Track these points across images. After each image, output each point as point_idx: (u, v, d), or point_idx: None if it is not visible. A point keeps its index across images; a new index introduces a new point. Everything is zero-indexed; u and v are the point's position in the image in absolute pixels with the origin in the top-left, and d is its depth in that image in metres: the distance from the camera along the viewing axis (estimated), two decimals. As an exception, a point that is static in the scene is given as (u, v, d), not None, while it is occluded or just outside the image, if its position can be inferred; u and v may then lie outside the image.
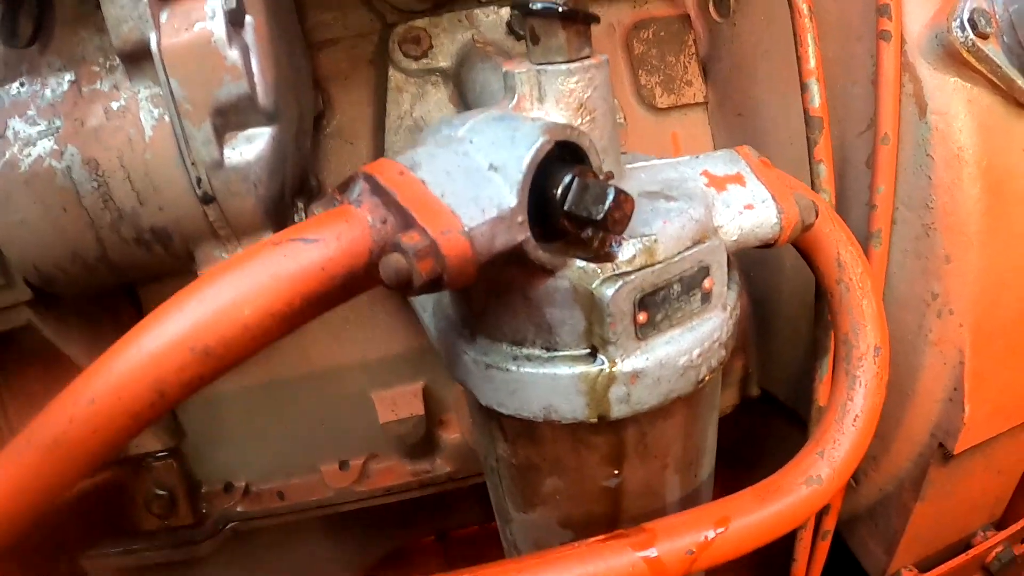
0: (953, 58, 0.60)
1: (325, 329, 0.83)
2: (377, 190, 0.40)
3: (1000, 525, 0.90)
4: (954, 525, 0.85)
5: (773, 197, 0.53)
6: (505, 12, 0.79)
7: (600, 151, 0.47)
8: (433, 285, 0.38)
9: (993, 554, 0.88)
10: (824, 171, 0.67)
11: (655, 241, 0.46)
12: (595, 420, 0.49)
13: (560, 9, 0.46)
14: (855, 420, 0.57)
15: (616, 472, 0.55)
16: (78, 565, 0.86)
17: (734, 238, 0.52)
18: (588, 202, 0.40)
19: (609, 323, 0.45)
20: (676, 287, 0.47)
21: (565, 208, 0.41)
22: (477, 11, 0.78)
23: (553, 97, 0.47)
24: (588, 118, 0.48)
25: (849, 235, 0.60)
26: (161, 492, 0.85)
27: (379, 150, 0.80)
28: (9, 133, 0.53)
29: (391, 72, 0.79)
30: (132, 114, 0.52)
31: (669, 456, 0.56)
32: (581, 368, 0.47)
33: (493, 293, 0.48)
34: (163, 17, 0.50)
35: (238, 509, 0.90)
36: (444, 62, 0.78)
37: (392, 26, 0.79)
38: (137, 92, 0.52)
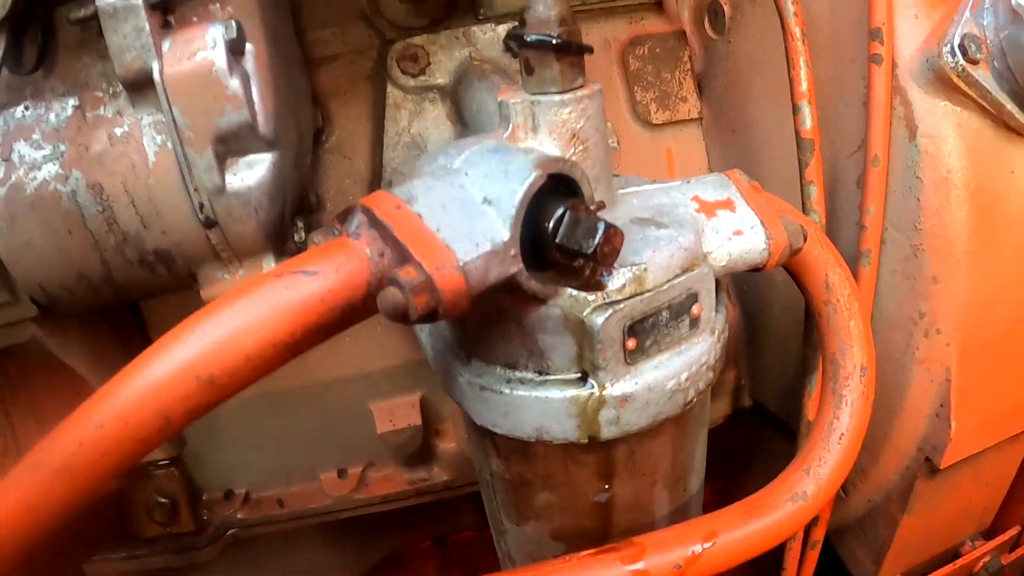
0: (943, 82, 0.61)
1: (325, 342, 0.85)
2: (375, 223, 0.41)
3: (989, 534, 0.91)
4: (942, 535, 0.87)
5: (762, 223, 0.54)
6: (502, 30, 0.80)
7: (592, 179, 0.48)
8: (429, 317, 0.40)
9: (981, 564, 0.89)
10: (815, 192, 0.69)
11: (645, 270, 0.47)
12: (585, 441, 0.50)
13: (554, 41, 0.47)
14: (841, 438, 0.59)
15: (606, 488, 0.56)
16: (81, 571, 0.88)
17: (723, 264, 0.53)
18: (579, 236, 0.42)
19: (599, 349, 0.47)
20: (665, 314, 0.48)
21: (557, 241, 0.42)
22: (475, 28, 0.79)
23: (547, 127, 0.49)
24: (581, 147, 0.49)
25: (837, 257, 0.61)
26: (163, 500, 0.87)
27: (377, 165, 0.81)
28: (15, 156, 0.55)
29: (389, 89, 0.80)
30: (135, 140, 0.53)
31: (658, 473, 0.58)
32: (572, 392, 0.49)
33: (487, 319, 0.49)
34: (165, 46, 0.51)
35: (238, 516, 0.91)
36: (442, 79, 0.79)
37: (390, 43, 0.80)
38: (140, 119, 0.53)
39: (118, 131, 0.53)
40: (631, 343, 0.47)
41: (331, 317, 0.41)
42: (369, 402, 0.88)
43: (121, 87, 0.53)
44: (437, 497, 0.94)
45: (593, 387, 0.48)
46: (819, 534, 0.80)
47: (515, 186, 0.42)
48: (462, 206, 0.42)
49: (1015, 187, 0.65)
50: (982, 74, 0.60)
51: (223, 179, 0.53)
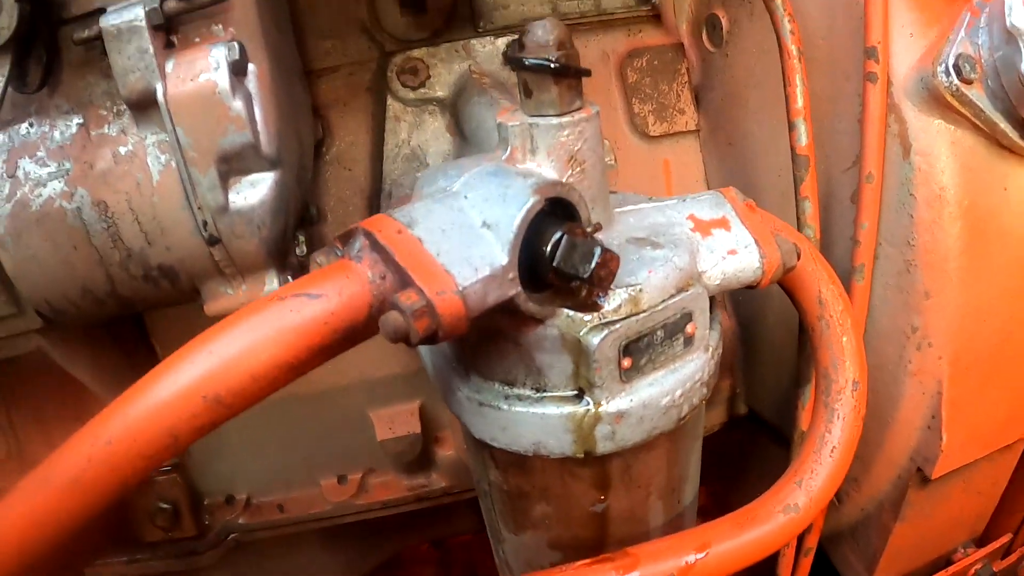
0: (938, 101, 0.62)
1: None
2: (376, 247, 0.42)
3: (981, 542, 0.92)
4: (934, 543, 0.88)
5: (756, 242, 0.55)
6: (501, 43, 0.81)
7: (589, 200, 0.49)
8: (429, 340, 0.41)
9: (973, 571, 0.90)
10: (809, 208, 0.69)
11: (640, 291, 0.48)
12: (582, 455, 0.51)
13: (552, 65, 0.48)
14: (832, 451, 0.60)
15: (602, 499, 0.57)
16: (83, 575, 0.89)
17: (717, 282, 0.54)
18: (576, 260, 0.42)
19: (595, 368, 0.48)
20: (660, 333, 0.49)
21: (554, 264, 0.43)
22: (474, 42, 0.80)
23: (545, 149, 0.49)
24: (578, 169, 0.50)
25: (831, 273, 0.62)
26: (165, 505, 0.88)
27: (377, 177, 0.82)
28: (20, 173, 0.55)
29: (389, 101, 0.80)
30: (140, 159, 0.54)
31: (653, 485, 0.59)
32: (569, 408, 0.50)
33: (486, 337, 0.50)
34: (169, 67, 0.51)
35: (239, 521, 0.92)
36: (441, 92, 0.80)
37: (390, 55, 0.80)
38: (144, 138, 0.54)
39: (122, 150, 0.54)
40: (626, 362, 0.48)
41: (334, 339, 0.42)
42: (369, 409, 0.89)
43: (125, 106, 0.53)
44: (436, 503, 0.95)
45: (589, 404, 0.49)
46: (812, 541, 0.81)
47: (513, 211, 0.43)
48: (461, 230, 0.43)
49: (1008, 204, 0.66)
50: (976, 94, 0.61)
51: (226, 198, 0.54)
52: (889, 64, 0.64)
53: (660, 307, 0.49)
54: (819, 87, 0.70)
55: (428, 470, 0.94)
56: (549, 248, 0.43)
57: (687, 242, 0.53)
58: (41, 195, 0.55)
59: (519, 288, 0.43)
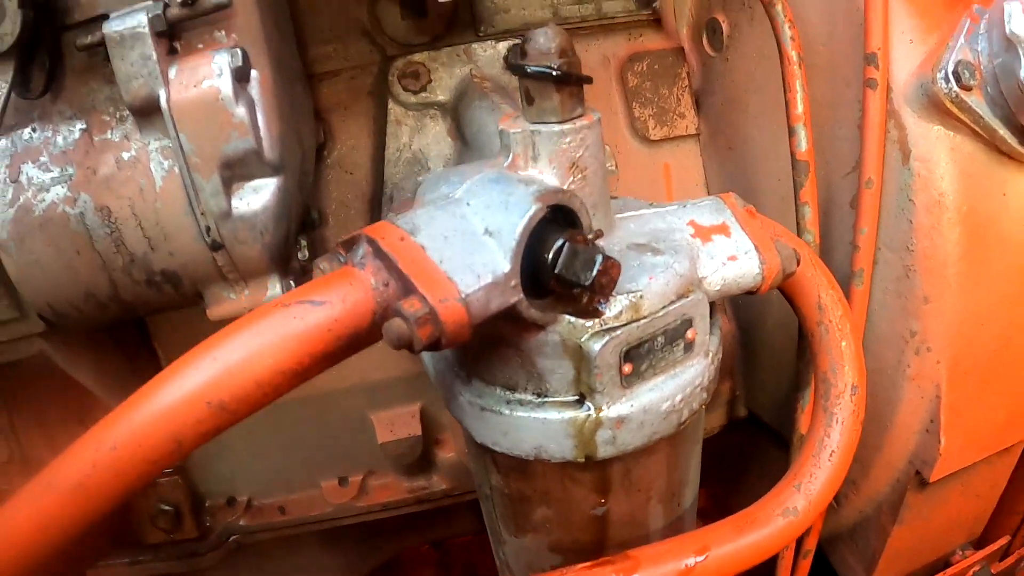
0: (937, 108, 0.63)
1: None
2: (379, 254, 0.43)
3: (980, 544, 0.93)
4: (932, 545, 0.88)
5: (756, 248, 0.55)
6: (502, 47, 0.81)
7: (591, 206, 0.49)
8: (432, 347, 0.41)
9: (971, 573, 0.91)
10: (809, 213, 0.70)
11: (641, 297, 0.48)
12: (582, 460, 0.52)
13: (554, 73, 0.48)
14: (831, 455, 0.60)
15: (602, 503, 0.58)
16: (86, 577, 0.89)
17: (717, 288, 0.54)
18: (577, 267, 0.43)
19: (596, 374, 0.48)
20: (660, 339, 0.50)
21: (556, 272, 0.44)
22: (475, 46, 0.80)
23: (546, 156, 0.50)
24: (580, 176, 0.51)
25: (830, 279, 0.62)
26: (166, 507, 0.88)
27: (378, 181, 0.82)
28: (23, 178, 0.55)
29: (391, 105, 0.81)
30: (143, 165, 0.54)
31: (653, 489, 0.59)
32: (570, 413, 0.50)
33: (487, 343, 0.50)
34: (172, 73, 0.52)
35: (241, 523, 0.93)
36: (442, 96, 0.80)
37: (392, 59, 0.81)
38: (147, 143, 0.54)
39: (125, 155, 0.54)
40: (627, 367, 0.49)
41: (337, 345, 0.42)
42: (370, 412, 0.89)
43: (128, 112, 0.54)
44: (436, 505, 0.95)
45: (590, 409, 0.49)
46: (811, 543, 0.82)
47: (515, 219, 0.43)
48: (464, 237, 0.44)
49: (1006, 210, 0.66)
50: (975, 100, 0.62)
51: (229, 203, 0.54)
52: (889, 70, 0.64)
53: (661, 313, 0.49)
54: (819, 93, 0.71)
55: (428, 472, 0.94)
56: (551, 255, 0.44)
57: (687, 248, 0.53)
58: (44, 200, 0.55)
59: (521, 295, 0.44)
